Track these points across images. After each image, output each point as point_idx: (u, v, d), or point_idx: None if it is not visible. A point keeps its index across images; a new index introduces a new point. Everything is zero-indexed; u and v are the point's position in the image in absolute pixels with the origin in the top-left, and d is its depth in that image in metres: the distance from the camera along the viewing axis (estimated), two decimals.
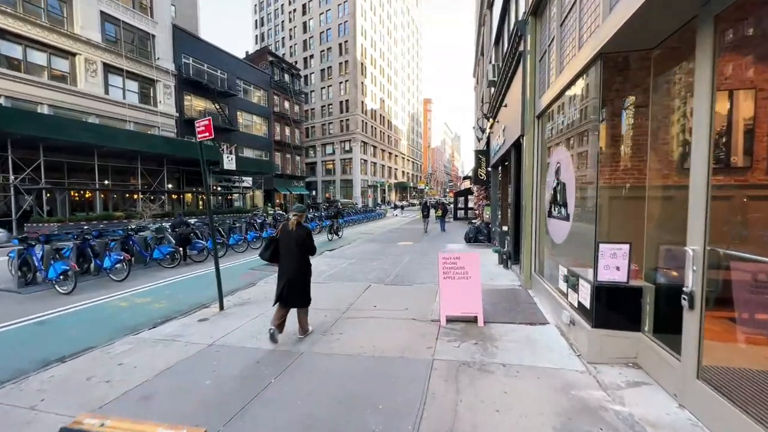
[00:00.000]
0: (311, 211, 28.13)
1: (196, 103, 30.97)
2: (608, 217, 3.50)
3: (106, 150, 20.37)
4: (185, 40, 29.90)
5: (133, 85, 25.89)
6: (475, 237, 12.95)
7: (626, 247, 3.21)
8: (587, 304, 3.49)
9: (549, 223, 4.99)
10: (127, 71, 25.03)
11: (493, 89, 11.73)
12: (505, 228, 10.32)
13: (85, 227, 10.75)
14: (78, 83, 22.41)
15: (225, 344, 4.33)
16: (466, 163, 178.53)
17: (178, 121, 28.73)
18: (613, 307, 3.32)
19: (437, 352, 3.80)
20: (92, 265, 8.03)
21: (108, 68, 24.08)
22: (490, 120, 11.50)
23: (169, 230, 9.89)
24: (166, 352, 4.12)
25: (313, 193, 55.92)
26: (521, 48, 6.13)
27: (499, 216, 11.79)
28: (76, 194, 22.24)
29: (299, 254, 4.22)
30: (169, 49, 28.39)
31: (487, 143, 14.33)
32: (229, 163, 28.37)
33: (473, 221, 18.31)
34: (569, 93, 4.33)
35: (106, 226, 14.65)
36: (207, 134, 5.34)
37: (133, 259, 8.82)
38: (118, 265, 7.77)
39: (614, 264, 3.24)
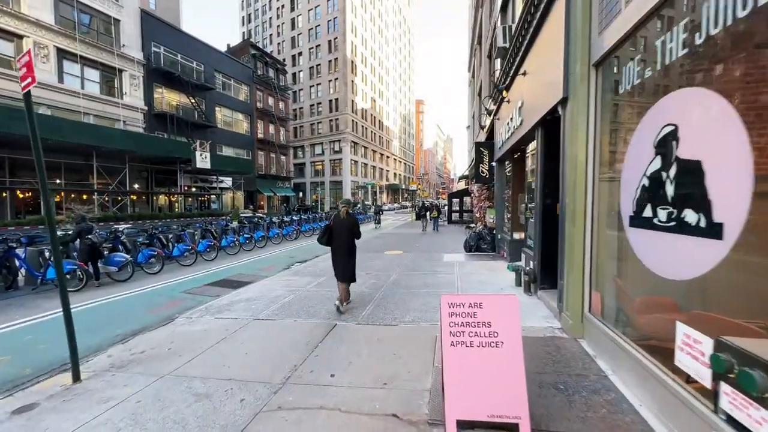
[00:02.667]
0: (300, 214, 25.74)
1: (168, 97, 28.42)
2: None
3: (53, 144, 17.77)
4: (156, 27, 27.39)
5: (93, 74, 23.29)
6: (476, 245, 10.83)
7: None
8: None
9: (638, 239, 2.83)
10: (85, 58, 22.43)
11: (498, 68, 9.67)
12: (517, 236, 8.20)
13: None
14: None
15: None
16: (458, 165, 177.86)
17: (147, 115, 26.17)
18: None
19: None
20: None
21: (63, 54, 21.47)
22: (496, 104, 9.41)
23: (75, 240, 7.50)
24: None
25: (300, 194, 53.47)
26: None
27: (507, 220, 9.67)
28: (21, 194, 19.48)
29: (348, 238, 5.17)
30: (136, 37, 25.84)
31: (490, 134, 12.26)
32: (202, 161, 25.87)
33: (471, 225, 16.23)
34: None
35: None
36: (30, 79, 3.09)
37: (18, 279, 6.44)
38: None
39: None
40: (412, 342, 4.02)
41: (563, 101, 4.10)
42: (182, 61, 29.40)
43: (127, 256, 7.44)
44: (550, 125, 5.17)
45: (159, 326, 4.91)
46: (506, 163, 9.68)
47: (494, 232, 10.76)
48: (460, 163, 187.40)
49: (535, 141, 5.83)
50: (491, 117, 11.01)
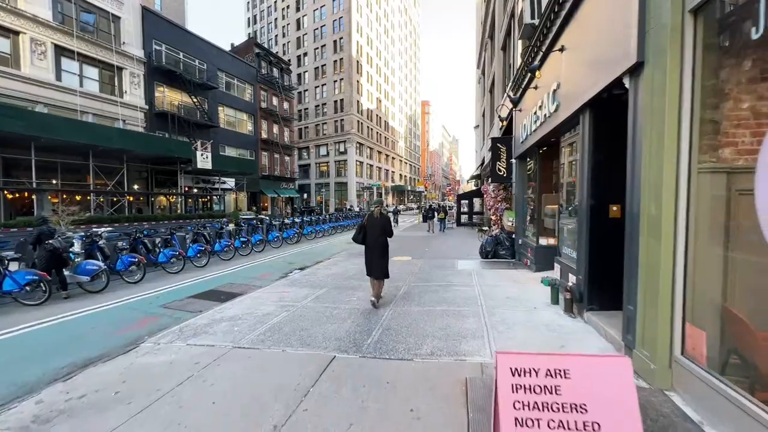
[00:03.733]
0: (302, 216, 24.81)
1: (170, 96, 27.78)
2: None
3: (48, 143, 17.11)
4: (157, 24, 26.81)
5: (92, 72, 22.71)
6: (494, 251, 9.79)
7: None
8: None
9: None
10: (84, 56, 21.87)
11: (518, 54, 8.69)
12: (545, 242, 7.17)
13: None
14: (22, 66, 19.20)
15: None
16: (464, 167, 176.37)
17: (148, 115, 25.54)
18: None
19: None
20: None
21: (61, 51, 20.91)
22: (518, 92, 8.39)
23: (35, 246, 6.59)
24: None
25: (305, 196, 52.77)
26: None
27: (529, 224, 8.63)
28: (14, 195, 18.85)
29: (382, 236, 5.44)
30: (137, 34, 25.26)
31: (507, 129, 11.23)
32: (203, 161, 25.13)
33: (484, 228, 15.18)
34: None
35: None
36: None
37: None
38: None
39: None
40: (434, 389, 3.02)
41: (635, 69, 3.09)
42: (184, 59, 28.81)
43: (100, 264, 6.54)
44: (601, 108, 4.16)
45: (118, 355, 3.98)
46: (529, 159, 8.65)
47: (513, 236, 9.72)
48: (465, 164, 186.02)
49: (578, 129, 4.80)
50: (509, 110, 9.99)
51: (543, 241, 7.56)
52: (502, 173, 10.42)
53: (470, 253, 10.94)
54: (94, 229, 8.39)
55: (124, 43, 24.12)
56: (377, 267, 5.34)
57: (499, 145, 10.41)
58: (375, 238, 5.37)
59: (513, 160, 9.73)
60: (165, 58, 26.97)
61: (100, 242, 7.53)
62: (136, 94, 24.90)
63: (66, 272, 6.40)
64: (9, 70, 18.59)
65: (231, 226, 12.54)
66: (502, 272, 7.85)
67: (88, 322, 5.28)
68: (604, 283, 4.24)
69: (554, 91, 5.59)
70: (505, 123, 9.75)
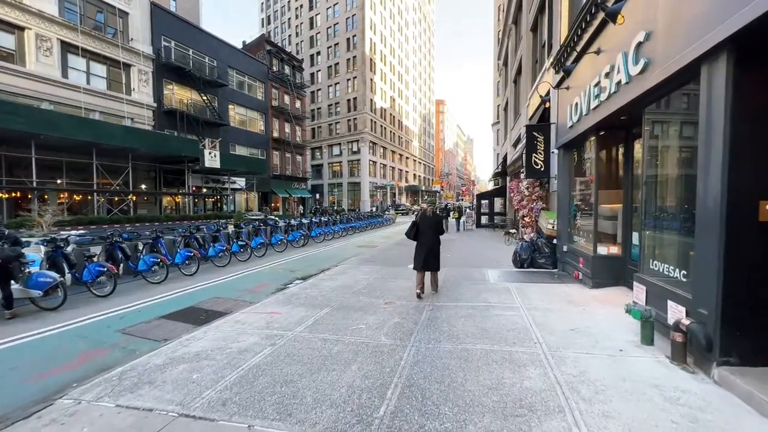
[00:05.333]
0: (311, 217, 23.62)
1: (179, 93, 27.14)
2: None
3: (49, 141, 16.45)
4: (166, 20, 26.19)
5: (100, 69, 22.15)
6: (530, 259, 8.22)
7: None
8: None
9: None
10: (91, 52, 21.30)
11: (563, 21, 7.16)
12: (605, 251, 5.61)
13: None
14: (27, 63, 18.68)
15: None
16: (479, 167, 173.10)
17: (156, 113, 24.92)
18: None
19: None
20: None
21: (67, 47, 20.35)
22: (565, 65, 6.82)
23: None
24: None
25: (317, 196, 51.87)
26: None
27: (575, 227, 7.04)
28: (13, 194, 18.27)
29: (434, 233, 5.83)
30: (146, 30, 24.66)
31: (541, 117, 9.63)
32: (211, 160, 24.30)
33: (511, 231, 13.53)
34: None
35: None
36: None
37: None
38: None
39: None
40: None
41: None
42: (194, 56, 28.14)
43: (55, 276, 5.35)
44: (751, 50, 2.62)
45: (14, 422, 2.69)
46: (579, 148, 7.06)
47: (554, 242, 8.12)
48: (480, 165, 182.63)
49: (674, 100, 3.26)
50: (547, 91, 8.40)
51: (602, 250, 5.97)
52: (539, 167, 8.83)
53: (500, 261, 9.39)
54: (62, 233, 7.31)
55: (132, 39, 23.53)
56: (431, 261, 5.75)
57: (535, 133, 8.83)
58: (427, 236, 5.77)
59: (554, 151, 8.14)
60: (174, 55, 26.32)
61: (67, 248, 6.38)
62: (144, 92, 24.28)
63: (15, 286, 5.24)
64: (14, 66, 18.07)
65: (230, 228, 11.37)
66: (548, 288, 6.28)
67: (13, 356, 4.05)
68: (751, 322, 2.70)
69: (638, 45, 4.05)
70: (546, 105, 8.16)
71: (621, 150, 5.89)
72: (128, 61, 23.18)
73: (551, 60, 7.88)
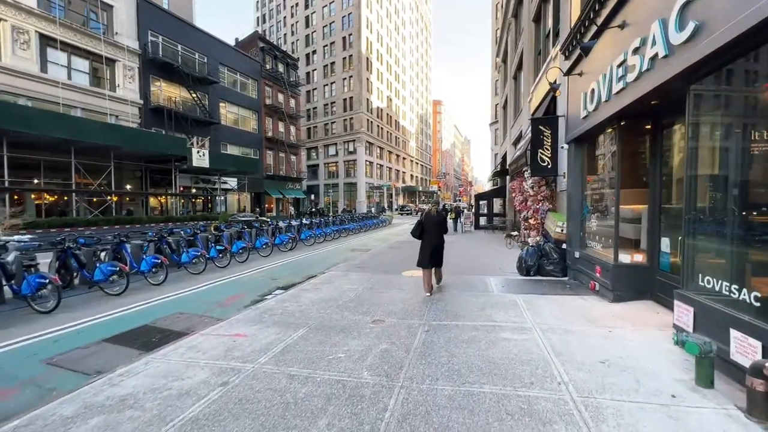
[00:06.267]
0: (301, 218, 22.71)
1: (167, 90, 26.20)
2: None
3: (26, 138, 15.51)
4: (154, 14, 25.25)
5: (82, 64, 21.17)
6: (537, 266, 7.41)
7: None
8: None
9: None
10: (72, 46, 20.33)
11: (572, 4, 6.37)
12: (627, 259, 4.82)
13: None
14: (2, 56, 17.70)
15: None
16: (476, 168, 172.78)
17: (142, 110, 23.97)
18: None
19: None
20: None
21: (46, 41, 19.38)
22: (579, 45, 6.03)
23: None
24: None
25: (312, 196, 50.97)
26: None
27: (589, 232, 6.25)
28: None
29: (438, 231, 6.12)
30: (132, 24, 23.72)
31: (551, 105, 8.84)
32: (200, 159, 23.39)
33: (513, 234, 12.73)
34: None
35: None
36: None
37: None
38: None
39: None
40: None
41: None
42: (183, 52, 27.22)
43: None
44: None
45: None
46: (595, 141, 6.26)
47: (564, 246, 7.32)
48: (477, 166, 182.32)
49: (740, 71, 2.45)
50: (555, 79, 7.60)
51: (624, 258, 5.16)
52: (546, 164, 8.03)
53: (503, 267, 8.58)
54: (3, 238, 6.42)
55: (116, 33, 22.56)
56: (435, 258, 6.04)
57: (541, 127, 8.03)
58: (432, 235, 6.03)
59: (564, 146, 7.34)
60: (162, 51, 25.38)
61: (7, 256, 5.48)
62: (129, 88, 23.30)
63: None
64: None
65: (210, 232, 10.49)
66: (561, 301, 5.47)
67: None
68: None
69: (684, 7, 3.24)
70: (556, 94, 7.34)
71: (647, 143, 5.09)
72: (112, 56, 22.22)
73: (560, 45, 7.08)
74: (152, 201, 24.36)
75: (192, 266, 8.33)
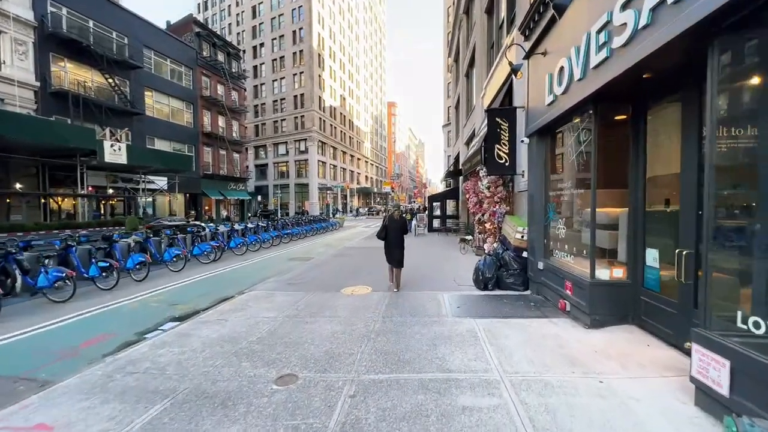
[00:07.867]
0: (260, 220, 20.21)
1: (75, 73, 22.16)
2: None
3: None
4: None
5: None
6: (495, 278, 6.40)
7: None
8: None
9: None
10: None
11: None
12: (606, 275, 3.86)
13: None
14: None
15: None
16: (430, 170, 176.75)
17: (39, 94, 19.93)
18: None
19: None
20: None
21: None
22: (526, 27, 5.07)
23: None
24: None
25: (259, 198, 47.59)
26: None
27: (556, 239, 5.33)
28: None
29: (400, 234, 6.68)
30: None
31: (506, 98, 7.98)
32: (114, 154, 19.91)
33: (467, 238, 11.87)
34: None
35: None
36: None
37: None
38: None
39: None
40: None
41: None
42: (96, 29, 23.28)
43: None
44: None
45: None
46: (563, 132, 5.34)
47: (524, 254, 6.38)
48: (431, 168, 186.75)
49: None
50: (510, 57, 6.70)
51: (603, 274, 4.21)
52: (503, 161, 7.09)
53: (457, 276, 7.52)
54: None
55: None
56: (397, 258, 6.57)
57: (498, 119, 7.07)
58: (394, 236, 6.64)
59: (524, 140, 6.41)
60: (66, 24, 21.36)
61: None
62: (20, 66, 19.16)
63: None
64: None
65: (132, 240, 8.21)
66: (528, 327, 4.39)
67: None
68: None
69: None
70: (517, 77, 6.37)
71: (628, 131, 4.18)
72: None
73: (519, 24, 6.13)
74: (54, 203, 20.32)
75: (54, 292, 6.15)
